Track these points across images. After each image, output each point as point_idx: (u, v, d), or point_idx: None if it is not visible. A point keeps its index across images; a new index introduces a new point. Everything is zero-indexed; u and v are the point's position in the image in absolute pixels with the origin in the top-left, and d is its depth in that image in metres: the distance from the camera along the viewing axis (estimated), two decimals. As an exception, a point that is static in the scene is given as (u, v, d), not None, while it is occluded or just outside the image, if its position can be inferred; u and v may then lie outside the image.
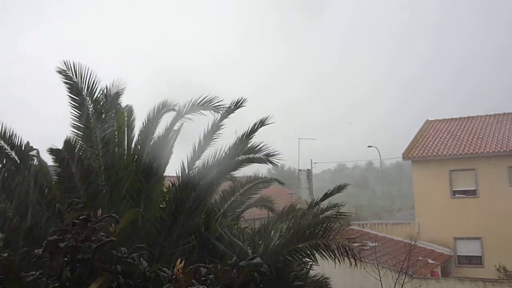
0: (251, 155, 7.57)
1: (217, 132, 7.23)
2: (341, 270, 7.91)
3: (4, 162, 6.76)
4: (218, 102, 7.09)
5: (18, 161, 6.76)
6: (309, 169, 41.66)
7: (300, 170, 40.68)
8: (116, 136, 7.14)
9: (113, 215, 4.97)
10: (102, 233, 4.54)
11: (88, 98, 6.82)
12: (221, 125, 7.23)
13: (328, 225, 6.22)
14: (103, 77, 6.98)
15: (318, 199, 7.88)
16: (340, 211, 7.71)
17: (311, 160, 47.15)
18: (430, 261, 22.23)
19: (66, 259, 4.36)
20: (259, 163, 7.75)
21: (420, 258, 21.64)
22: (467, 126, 28.81)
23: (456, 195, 25.94)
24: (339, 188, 8.15)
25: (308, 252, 6.25)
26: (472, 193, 25.52)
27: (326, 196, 7.87)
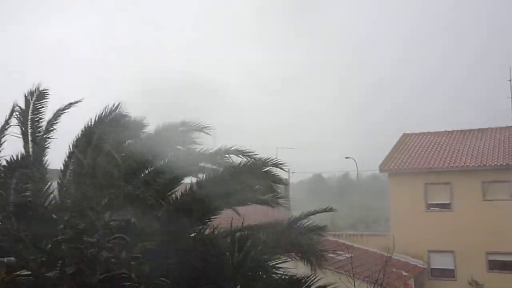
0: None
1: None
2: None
3: None
4: None
5: None
6: (287, 179, 41.62)
7: (277, 179, 40.56)
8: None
9: (123, 236, 4.59)
10: (111, 257, 4.12)
11: None
12: None
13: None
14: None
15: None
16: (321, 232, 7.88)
17: (289, 169, 47.10)
18: (404, 273, 22.37)
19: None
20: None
21: (394, 270, 21.75)
22: (443, 140, 29.23)
23: (431, 208, 26.25)
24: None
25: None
26: (447, 206, 25.85)
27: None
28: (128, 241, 4.44)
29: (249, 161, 7.20)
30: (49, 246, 4.26)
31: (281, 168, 7.51)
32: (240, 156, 7.18)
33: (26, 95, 7.36)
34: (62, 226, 4.48)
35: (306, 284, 6.79)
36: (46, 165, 6.86)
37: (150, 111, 7.65)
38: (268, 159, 7.41)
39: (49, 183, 6.52)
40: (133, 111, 7.48)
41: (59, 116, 7.36)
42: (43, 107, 7.42)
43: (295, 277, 6.80)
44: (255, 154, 7.27)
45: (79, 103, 7.50)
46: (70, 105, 7.37)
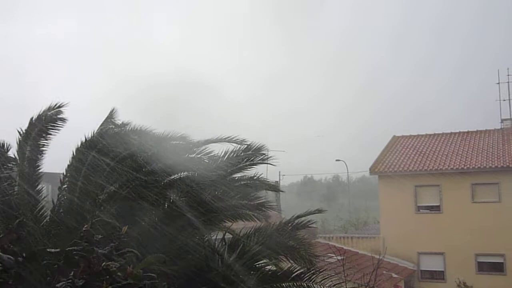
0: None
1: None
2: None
3: None
4: None
5: None
6: (277, 181, 41.61)
7: (268, 182, 40.46)
8: None
9: (134, 251, 4.39)
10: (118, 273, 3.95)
11: None
12: None
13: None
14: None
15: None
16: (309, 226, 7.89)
17: (279, 172, 47.11)
18: (394, 275, 22.47)
19: None
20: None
21: (384, 272, 21.84)
22: (433, 143, 29.43)
23: (421, 210, 26.40)
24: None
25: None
26: (436, 208, 26.00)
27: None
28: (138, 255, 4.33)
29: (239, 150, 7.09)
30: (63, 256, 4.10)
31: (272, 164, 7.42)
32: (230, 143, 6.98)
33: (34, 118, 6.56)
34: (81, 235, 4.34)
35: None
36: (40, 168, 6.65)
37: (149, 109, 7.57)
38: (258, 144, 7.27)
39: (43, 186, 6.39)
40: (132, 110, 7.35)
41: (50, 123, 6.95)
42: (50, 133, 6.66)
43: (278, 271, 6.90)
44: (246, 142, 7.09)
45: (79, 103, 7.25)
46: (58, 108, 6.97)
